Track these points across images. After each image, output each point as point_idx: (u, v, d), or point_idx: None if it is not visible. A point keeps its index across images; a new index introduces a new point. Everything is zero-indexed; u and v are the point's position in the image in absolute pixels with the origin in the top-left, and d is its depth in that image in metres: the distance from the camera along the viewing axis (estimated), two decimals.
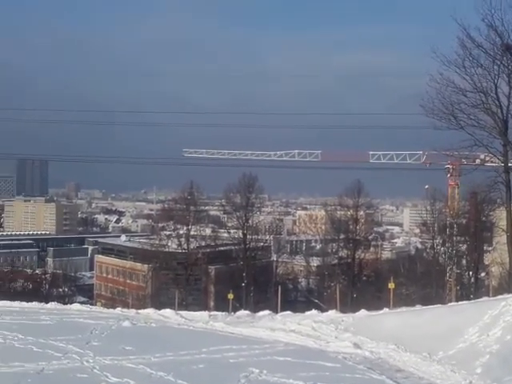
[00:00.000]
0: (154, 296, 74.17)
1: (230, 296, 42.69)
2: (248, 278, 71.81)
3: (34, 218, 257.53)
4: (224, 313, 30.95)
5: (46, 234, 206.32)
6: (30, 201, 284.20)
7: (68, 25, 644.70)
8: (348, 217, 75.29)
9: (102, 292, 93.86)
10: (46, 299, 57.95)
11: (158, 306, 42.09)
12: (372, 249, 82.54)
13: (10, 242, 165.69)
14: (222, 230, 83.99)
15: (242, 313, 30.80)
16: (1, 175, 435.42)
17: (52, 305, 31.12)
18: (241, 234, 75.15)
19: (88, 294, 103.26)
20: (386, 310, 28.39)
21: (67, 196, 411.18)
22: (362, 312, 27.01)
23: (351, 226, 74.62)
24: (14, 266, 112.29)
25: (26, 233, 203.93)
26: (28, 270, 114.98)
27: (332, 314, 27.56)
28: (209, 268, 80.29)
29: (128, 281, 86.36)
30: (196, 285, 78.32)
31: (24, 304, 30.62)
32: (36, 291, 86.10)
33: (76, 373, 15.37)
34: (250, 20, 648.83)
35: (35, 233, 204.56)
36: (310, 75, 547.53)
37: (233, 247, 78.67)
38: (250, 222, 75.25)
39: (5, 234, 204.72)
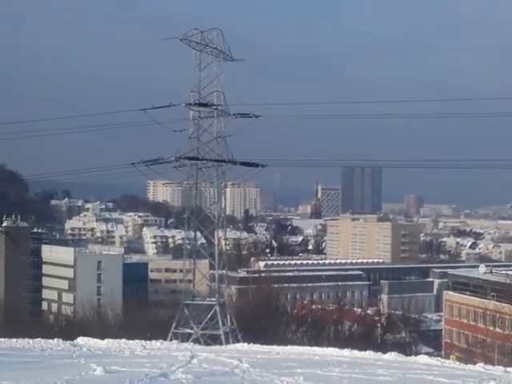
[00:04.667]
0: None
1: None
2: None
3: (363, 241, 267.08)
4: None
5: (378, 263, 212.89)
6: (358, 219, 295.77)
7: None
8: None
9: (454, 341, 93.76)
10: (382, 347, 59.44)
11: None
12: None
13: (335, 272, 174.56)
14: None
15: None
16: (324, 187, 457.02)
17: (391, 355, 31.60)
18: None
19: (434, 342, 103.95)
20: None
21: (406, 213, 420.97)
22: None
23: None
24: (340, 303, 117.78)
25: (354, 261, 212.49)
26: (357, 309, 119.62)
27: None
28: None
29: (490, 327, 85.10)
30: None
31: (355, 353, 31.59)
32: (367, 336, 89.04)
33: None
34: None
35: (365, 261, 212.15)
36: None
37: None
38: None
39: (327, 262, 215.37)
